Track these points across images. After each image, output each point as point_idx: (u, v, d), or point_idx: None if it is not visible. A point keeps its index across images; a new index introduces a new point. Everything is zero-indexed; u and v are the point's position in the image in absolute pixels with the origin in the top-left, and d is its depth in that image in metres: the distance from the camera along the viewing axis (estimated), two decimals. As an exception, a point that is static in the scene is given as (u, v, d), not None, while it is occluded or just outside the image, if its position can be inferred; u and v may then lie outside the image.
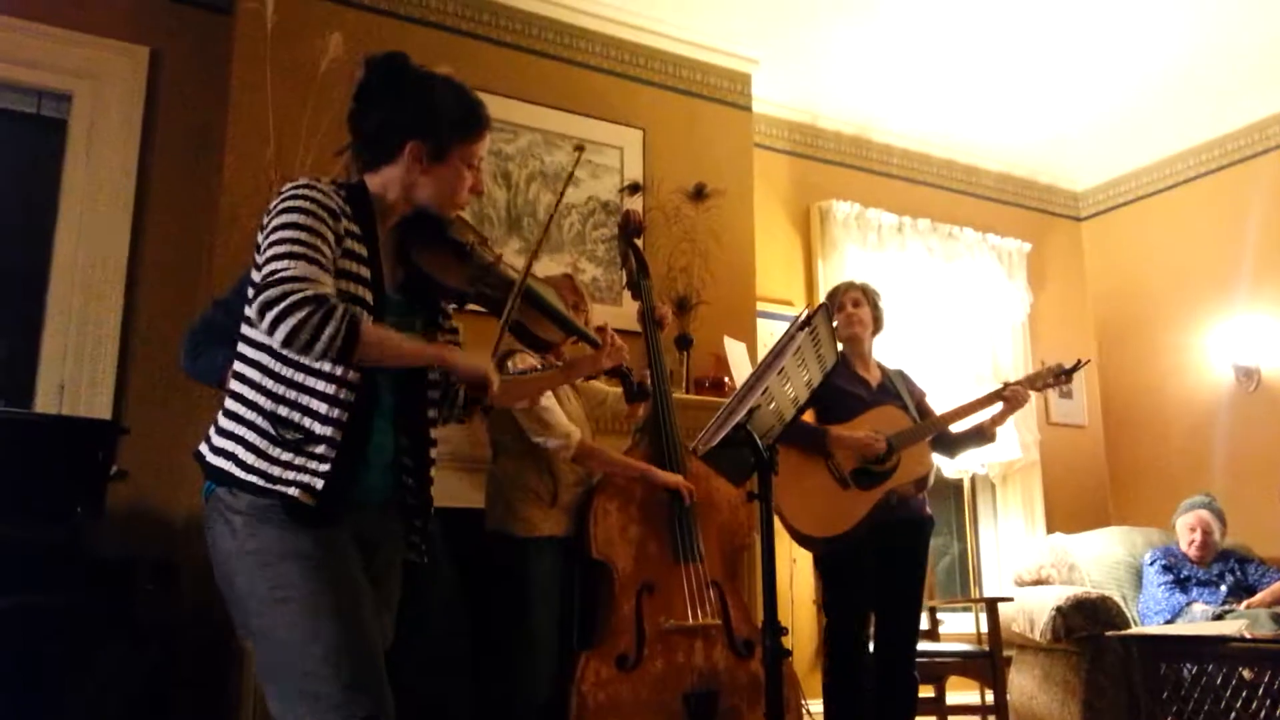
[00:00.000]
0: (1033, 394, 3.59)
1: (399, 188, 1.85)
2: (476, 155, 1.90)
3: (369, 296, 1.76)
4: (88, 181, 3.63)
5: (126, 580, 2.63)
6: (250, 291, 1.67)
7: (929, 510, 3.55)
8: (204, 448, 1.75)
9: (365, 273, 1.77)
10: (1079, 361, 3.63)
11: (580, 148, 2.37)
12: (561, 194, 2.24)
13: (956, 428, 3.56)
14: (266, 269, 1.64)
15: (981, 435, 3.59)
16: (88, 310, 3.54)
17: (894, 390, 3.59)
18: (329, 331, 1.60)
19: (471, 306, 2.01)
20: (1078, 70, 4.86)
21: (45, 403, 3.44)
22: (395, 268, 1.89)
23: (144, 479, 3.35)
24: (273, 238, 1.67)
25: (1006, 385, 3.57)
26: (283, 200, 1.72)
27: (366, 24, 3.86)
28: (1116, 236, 6.04)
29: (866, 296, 3.62)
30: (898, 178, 5.55)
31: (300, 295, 1.60)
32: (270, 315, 1.60)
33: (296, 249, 1.65)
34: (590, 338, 2.09)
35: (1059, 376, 3.58)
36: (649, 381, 2.85)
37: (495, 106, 4.06)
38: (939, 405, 3.68)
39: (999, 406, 3.51)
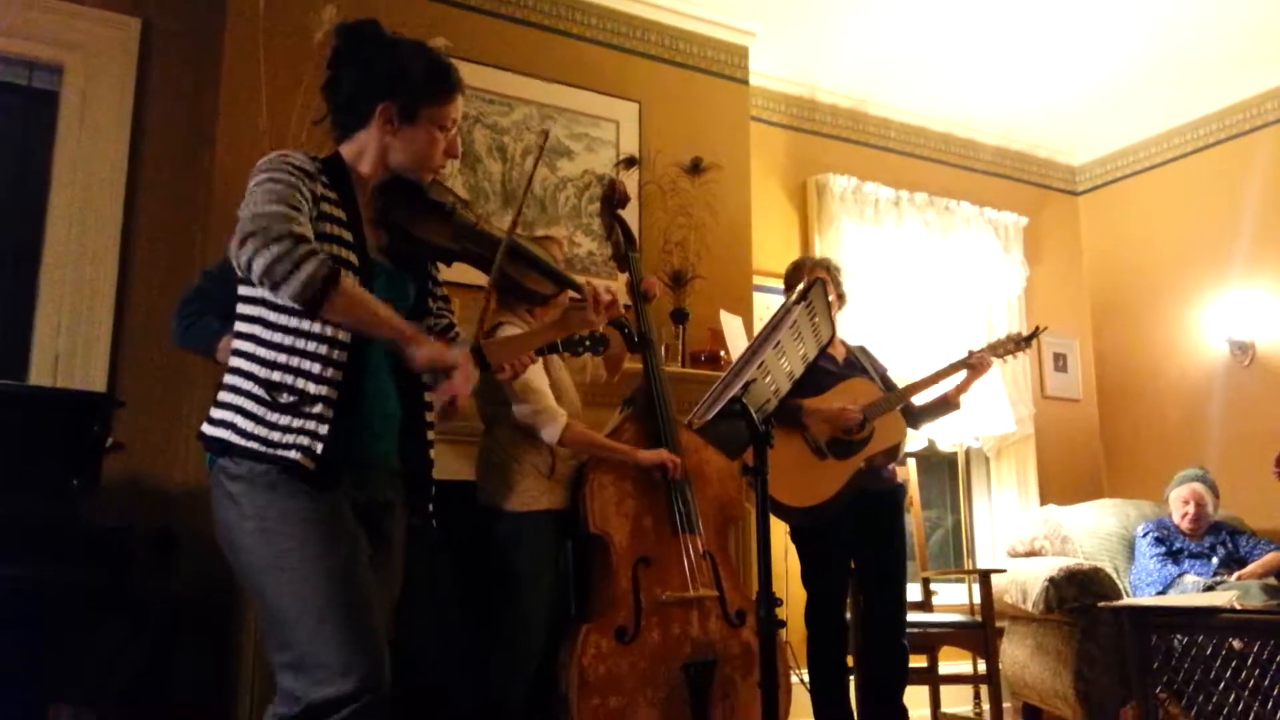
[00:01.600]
0: (995, 360, 3.71)
1: (373, 152, 1.86)
2: (448, 118, 1.89)
3: (354, 259, 1.76)
4: (80, 153, 3.60)
5: (124, 552, 2.63)
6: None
7: (899, 479, 3.63)
8: (204, 424, 1.76)
9: (347, 236, 1.77)
10: (1037, 328, 3.95)
11: (545, 132, 2.38)
12: (530, 177, 2.24)
13: (922, 398, 3.64)
14: (247, 212, 1.63)
15: (947, 404, 3.69)
16: (82, 282, 3.52)
17: (860, 365, 3.64)
18: (309, 269, 1.58)
19: (460, 276, 2.01)
20: (1075, 45, 4.83)
21: (40, 375, 3.42)
22: (378, 233, 1.89)
23: (140, 451, 3.35)
24: (251, 198, 1.67)
25: (971, 353, 3.67)
26: (257, 173, 1.72)
27: (360, -5, 3.82)
28: (1113, 211, 6.02)
29: (828, 273, 3.62)
30: (895, 151, 5.53)
31: (285, 228, 1.60)
32: (251, 244, 1.58)
33: (274, 195, 1.65)
34: (580, 288, 2.11)
35: (1019, 343, 3.78)
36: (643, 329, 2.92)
37: (490, 79, 4.11)
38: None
39: (964, 375, 3.61)
